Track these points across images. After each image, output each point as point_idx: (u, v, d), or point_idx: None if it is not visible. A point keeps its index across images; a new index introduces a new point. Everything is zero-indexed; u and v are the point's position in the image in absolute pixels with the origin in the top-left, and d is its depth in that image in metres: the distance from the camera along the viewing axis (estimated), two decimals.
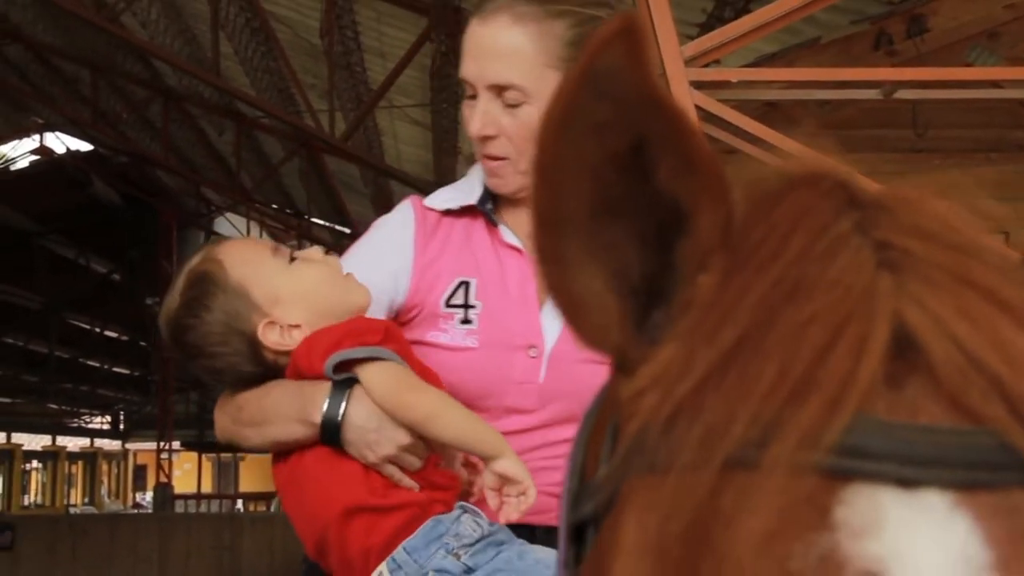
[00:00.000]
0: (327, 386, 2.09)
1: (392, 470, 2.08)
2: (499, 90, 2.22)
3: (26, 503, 33.38)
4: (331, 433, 2.06)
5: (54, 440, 35.89)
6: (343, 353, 2.09)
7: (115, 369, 30.71)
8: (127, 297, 26.32)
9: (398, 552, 2.05)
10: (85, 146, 23.12)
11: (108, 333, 30.37)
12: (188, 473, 34.49)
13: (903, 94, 5.29)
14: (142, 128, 20.07)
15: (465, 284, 2.35)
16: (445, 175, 15.96)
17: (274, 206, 21.63)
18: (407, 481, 2.09)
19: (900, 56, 6.87)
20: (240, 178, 18.92)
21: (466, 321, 2.34)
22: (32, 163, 23.69)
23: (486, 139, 2.26)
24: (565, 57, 2.23)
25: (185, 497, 26.46)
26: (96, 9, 12.86)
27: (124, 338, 30.48)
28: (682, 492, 0.69)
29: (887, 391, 0.68)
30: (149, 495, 29.45)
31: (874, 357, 0.67)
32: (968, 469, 0.66)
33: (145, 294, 23.46)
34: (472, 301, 2.34)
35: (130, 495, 37.14)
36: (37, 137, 23.33)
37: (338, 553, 2.11)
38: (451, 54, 12.43)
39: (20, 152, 24.34)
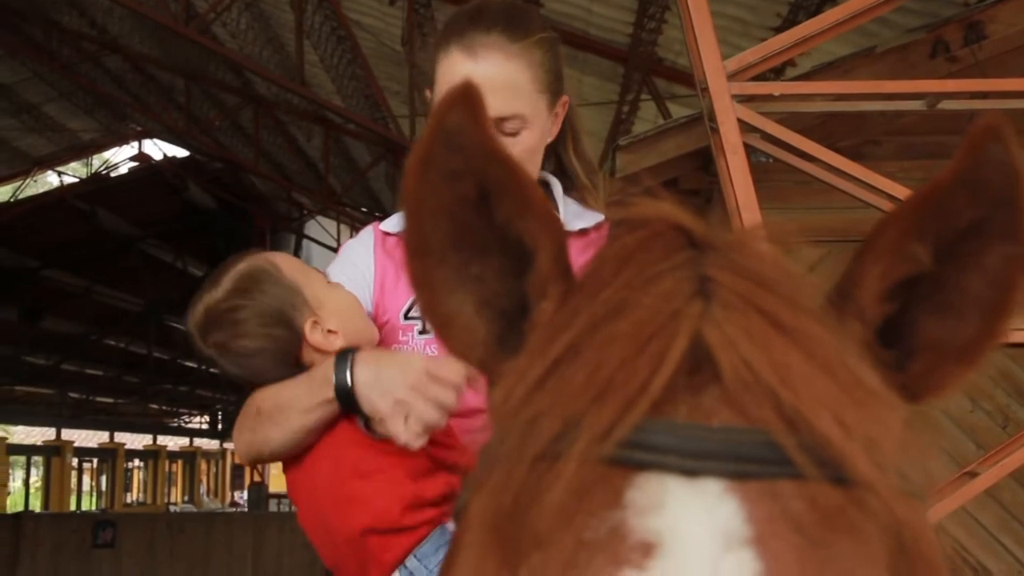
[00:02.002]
0: (331, 361, 2.23)
1: (406, 425, 2.13)
2: (499, 122, 2.31)
3: (128, 501, 34.14)
4: (346, 397, 2.18)
5: (155, 440, 36.63)
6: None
7: (212, 370, 31.17)
8: None
9: (409, 560, 2.18)
10: (181, 152, 23.63)
11: None
12: None
13: (948, 104, 5.31)
14: (235, 134, 20.49)
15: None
16: None
17: (363, 209, 21.90)
18: (419, 442, 2.13)
19: (959, 63, 6.86)
20: (329, 182, 19.22)
21: (424, 331, 2.47)
22: (131, 169, 24.26)
23: None
24: (546, 80, 2.39)
25: (279, 496, 26.88)
26: (186, 21, 13.20)
27: None
28: (505, 480, 0.84)
29: (679, 396, 0.82)
30: (246, 494, 29.88)
31: (669, 367, 0.81)
32: (739, 462, 0.79)
33: None
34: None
35: (228, 494, 37.71)
36: (136, 144, 23.91)
37: (354, 569, 2.25)
38: None
39: (121, 159, 25.00)
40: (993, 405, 7.56)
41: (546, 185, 2.57)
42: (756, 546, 0.76)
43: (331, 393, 2.20)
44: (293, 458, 2.34)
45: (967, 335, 0.94)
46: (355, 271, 2.54)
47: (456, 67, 2.34)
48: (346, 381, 2.18)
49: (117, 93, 20.22)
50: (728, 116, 5.07)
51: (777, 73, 8.82)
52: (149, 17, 13.05)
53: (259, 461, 2.43)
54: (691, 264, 0.88)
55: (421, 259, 0.93)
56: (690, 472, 0.79)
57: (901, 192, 5.15)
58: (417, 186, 0.90)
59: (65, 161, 25.03)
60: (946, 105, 5.30)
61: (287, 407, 2.28)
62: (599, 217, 2.52)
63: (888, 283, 0.92)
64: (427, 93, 2.51)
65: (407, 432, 2.11)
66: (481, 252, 0.94)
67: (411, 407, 2.11)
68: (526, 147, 2.36)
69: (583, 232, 2.48)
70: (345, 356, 2.22)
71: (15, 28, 18.36)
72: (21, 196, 24.44)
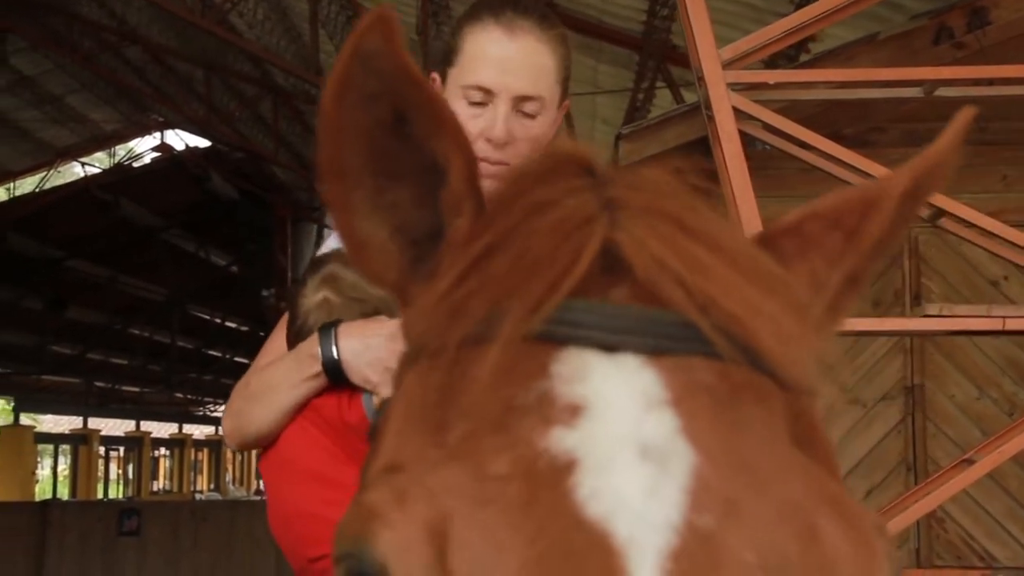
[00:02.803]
0: (315, 336, 2.27)
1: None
2: (522, 101, 2.34)
3: (155, 489, 34.39)
4: (333, 369, 2.22)
5: (180, 428, 36.89)
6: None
7: (236, 359, 31.44)
8: (245, 289, 26.89)
9: None
10: (203, 143, 23.72)
11: (228, 324, 31.10)
12: None
13: (947, 91, 5.29)
14: (255, 124, 20.57)
15: None
16: None
17: None
18: None
19: (964, 50, 6.83)
20: None
21: None
22: (154, 160, 24.38)
23: (503, 144, 2.36)
24: (563, 75, 2.42)
25: None
26: (202, 11, 13.27)
27: (244, 328, 31.17)
28: (437, 365, 0.90)
29: (597, 284, 0.89)
30: None
31: (588, 257, 0.88)
32: (655, 338, 0.87)
33: (261, 286, 23.95)
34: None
35: (253, 482, 37.91)
36: (158, 134, 24.03)
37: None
38: None
39: (144, 149, 25.14)
40: (1000, 393, 7.54)
41: None
42: (674, 407, 0.83)
43: (318, 367, 2.24)
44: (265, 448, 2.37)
45: (874, 269, 1.09)
46: None
47: (491, 40, 2.36)
48: (332, 354, 2.22)
49: (138, 84, 20.33)
50: (723, 104, 5.07)
51: (790, 60, 8.81)
52: (166, 8, 13.12)
53: (244, 445, 2.47)
54: (596, 187, 0.95)
55: (337, 182, 0.97)
56: (611, 347, 0.86)
57: None
58: (334, 109, 0.93)
59: (88, 152, 25.19)
60: (945, 92, 5.28)
61: (276, 385, 2.32)
62: None
63: (883, 233, 1.03)
64: (433, 76, 2.50)
65: None
66: (396, 177, 0.99)
67: None
68: (538, 132, 2.38)
69: None
70: (328, 330, 2.25)
71: (37, 20, 18.48)
72: (45, 187, 24.61)
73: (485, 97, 2.35)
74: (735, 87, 5.23)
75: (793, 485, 0.82)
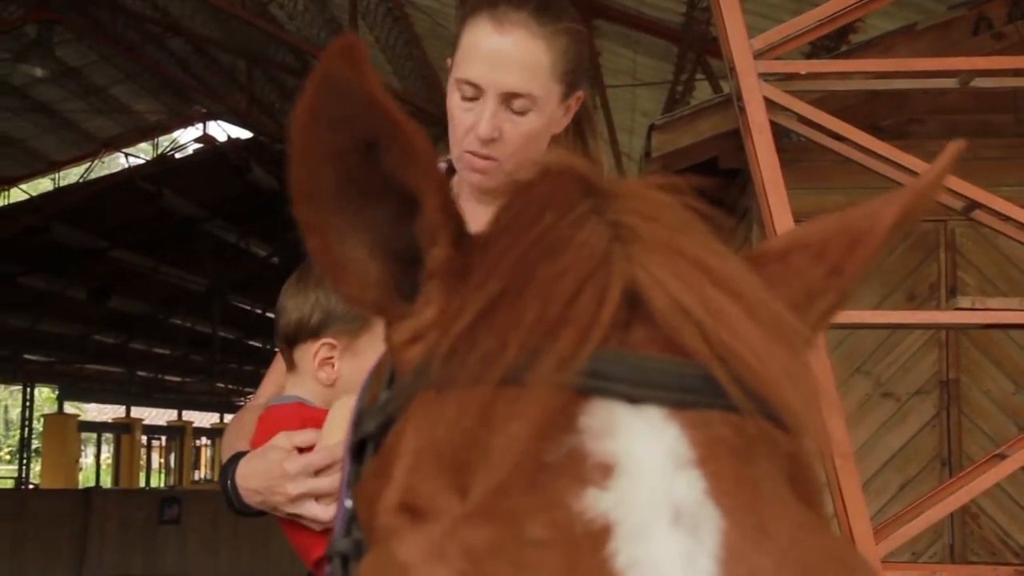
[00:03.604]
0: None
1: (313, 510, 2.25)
2: (510, 97, 2.32)
3: (196, 478, 34.66)
4: (236, 502, 2.32)
5: (222, 418, 37.13)
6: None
7: (277, 349, 31.46)
8: (285, 280, 26.93)
9: None
10: (245, 134, 23.85)
11: (269, 314, 31.25)
12: None
13: (982, 82, 5.24)
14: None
15: None
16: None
17: None
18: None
19: (1005, 40, 6.76)
20: None
21: None
22: (196, 151, 24.55)
23: (489, 141, 2.35)
24: (564, 70, 2.37)
25: None
26: (243, 2, 13.33)
27: None
28: (461, 404, 0.89)
29: (621, 331, 0.88)
30: None
31: (612, 304, 0.87)
32: (679, 392, 0.86)
33: None
34: None
35: None
36: (200, 126, 24.18)
37: None
38: None
39: (187, 140, 25.30)
40: None
41: None
42: (701, 466, 0.83)
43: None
44: None
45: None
46: None
47: (481, 36, 2.34)
48: (227, 488, 2.32)
49: (181, 75, 20.47)
50: (754, 95, 5.05)
51: (830, 52, 8.75)
52: None
53: None
54: (599, 210, 0.93)
55: (310, 205, 0.96)
56: (636, 399, 0.85)
57: (928, 170, 5.10)
58: (303, 134, 0.93)
59: (132, 142, 25.40)
60: (980, 83, 5.23)
61: (226, 447, 2.44)
62: None
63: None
64: (448, 62, 2.51)
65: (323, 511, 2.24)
66: (370, 198, 0.98)
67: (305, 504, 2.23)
68: (528, 129, 2.36)
69: None
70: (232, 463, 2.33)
71: (83, 11, 18.66)
72: (90, 177, 24.83)
73: (475, 92, 2.33)
74: (767, 78, 5.20)
75: (806, 547, 0.82)
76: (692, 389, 0.86)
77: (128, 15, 18.35)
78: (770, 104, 5.12)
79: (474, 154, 2.37)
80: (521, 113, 2.34)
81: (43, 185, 26.94)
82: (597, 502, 0.81)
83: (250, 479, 2.28)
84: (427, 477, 0.88)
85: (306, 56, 17.22)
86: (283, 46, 17.38)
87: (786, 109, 5.19)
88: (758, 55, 5.09)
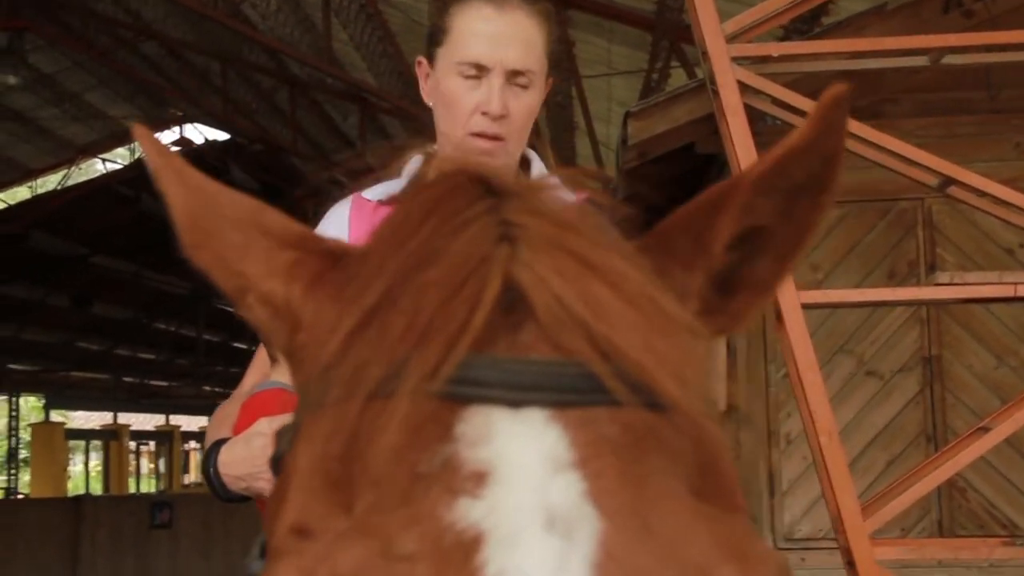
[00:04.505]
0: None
1: None
2: (514, 75, 2.38)
3: (187, 482, 34.60)
4: (219, 489, 2.35)
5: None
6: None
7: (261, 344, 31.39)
8: None
9: None
10: (222, 136, 23.78)
11: None
12: None
13: (953, 59, 5.26)
14: (273, 116, 20.60)
15: None
16: (563, 150, 16.10)
17: None
18: None
19: (975, 18, 6.80)
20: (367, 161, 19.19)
21: None
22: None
23: (498, 119, 2.39)
24: (549, 50, 2.45)
25: None
26: (215, 3, 13.28)
27: None
28: (335, 421, 0.88)
29: (498, 334, 0.87)
30: None
31: (486, 307, 0.86)
32: (559, 392, 0.85)
33: None
34: None
35: None
36: (177, 129, 24.09)
37: None
38: (558, 29, 12.55)
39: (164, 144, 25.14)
40: (1018, 361, 7.52)
41: (527, 162, 2.61)
42: (580, 468, 0.81)
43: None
44: None
45: (775, 271, 1.02)
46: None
47: (482, 17, 2.40)
48: (210, 474, 2.35)
49: (155, 79, 20.39)
50: (727, 78, 5.07)
51: (802, 34, 8.76)
52: (179, 1, 13.14)
53: None
54: (493, 211, 0.93)
55: (201, 248, 1.04)
56: (514, 403, 0.84)
57: (905, 149, 5.14)
58: (192, 257, 1.03)
59: (108, 148, 25.29)
60: (952, 60, 5.26)
61: (210, 434, 2.48)
62: (572, 198, 2.55)
63: (736, 234, 0.98)
64: (419, 61, 2.54)
65: None
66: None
67: None
68: (529, 104, 2.43)
69: None
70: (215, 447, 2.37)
71: (53, 17, 18.56)
72: (67, 184, 24.71)
73: (479, 72, 2.38)
74: (741, 61, 5.22)
75: (698, 545, 0.81)
76: (574, 388, 0.85)
77: (99, 20, 18.26)
78: (744, 87, 5.14)
79: (481, 135, 2.42)
80: (525, 88, 2.41)
81: (20, 194, 26.81)
82: (469, 511, 0.80)
83: (233, 466, 2.30)
84: (314, 497, 0.88)
85: (280, 56, 17.18)
86: (257, 47, 17.33)
87: (760, 92, 5.21)
88: (730, 39, 5.11)
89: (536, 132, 2.65)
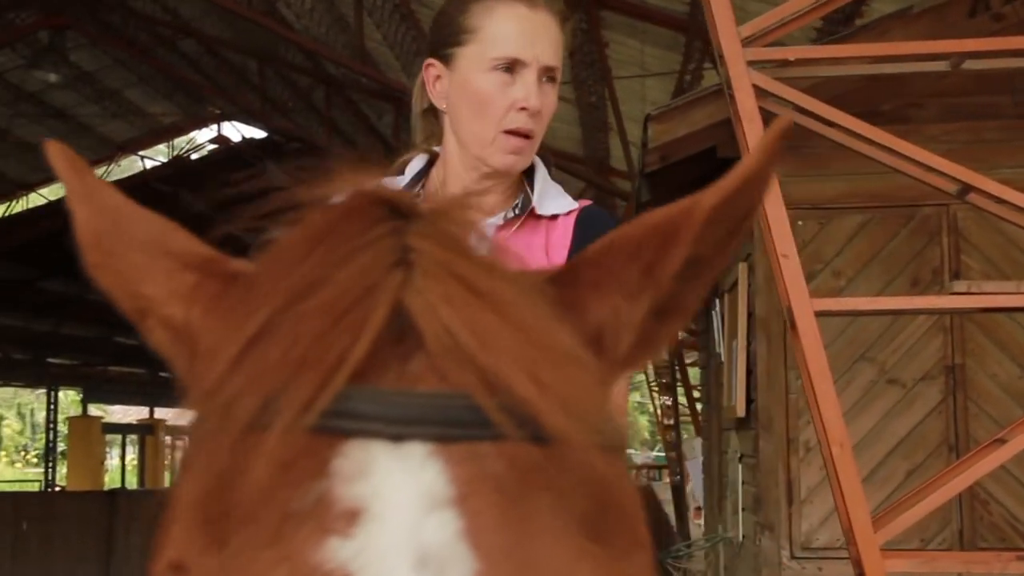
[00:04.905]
0: None
1: None
2: (546, 71, 2.43)
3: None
4: None
5: None
6: None
7: None
8: None
9: None
10: (259, 133, 23.91)
11: None
12: None
13: (973, 64, 5.19)
14: (309, 114, 20.69)
15: None
16: (596, 150, 16.07)
17: None
18: None
19: (1003, 21, 6.71)
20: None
21: None
22: (211, 151, 24.63)
23: (534, 115, 2.42)
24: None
25: None
26: (248, 2, 13.33)
27: None
28: (211, 455, 0.85)
29: (383, 364, 0.83)
30: None
31: (368, 336, 0.82)
32: (442, 426, 0.81)
33: None
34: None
35: None
36: (215, 127, 24.25)
37: None
38: (591, 31, 12.54)
39: (201, 141, 25.39)
40: None
41: (531, 168, 2.59)
42: (458, 506, 0.79)
43: None
44: None
45: (698, 297, 0.99)
46: None
47: (517, 15, 2.44)
48: None
49: (193, 76, 20.52)
50: (743, 83, 5.01)
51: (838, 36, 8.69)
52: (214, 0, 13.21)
53: None
54: (394, 234, 0.89)
55: (104, 269, 1.02)
56: (395, 437, 0.81)
57: (922, 155, 5.06)
58: (94, 277, 1.00)
59: (148, 145, 25.48)
60: (971, 65, 5.18)
61: None
62: (574, 205, 2.54)
63: (684, 263, 0.94)
64: (430, 63, 2.52)
65: None
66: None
67: None
68: (553, 102, 2.47)
69: (553, 217, 2.50)
70: None
71: (94, 15, 18.72)
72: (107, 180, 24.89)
73: (513, 68, 2.41)
74: (762, 65, 5.18)
75: None
76: (458, 422, 0.82)
77: (138, 18, 18.40)
78: (760, 91, 5.08)
79: (514, 132, 2.43)
80: (552, 86, 2.47)
81: (61, 190, 27.02)
82: (338, 551, 0.77)
83: None
84: (192, 532, 0.85)
85: (315, 55, 17.24)
86: (293, 46, 17.40)
87: (774, 96, 5.15)
88: (748, 42, 5.06)
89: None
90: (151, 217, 1.03)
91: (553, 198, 2.54)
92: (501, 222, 2.48)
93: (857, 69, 5.61)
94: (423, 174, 2.58)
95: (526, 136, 2.43)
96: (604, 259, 0.96)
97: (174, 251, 1.00)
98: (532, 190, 2.53)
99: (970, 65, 5.19)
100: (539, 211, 2.49)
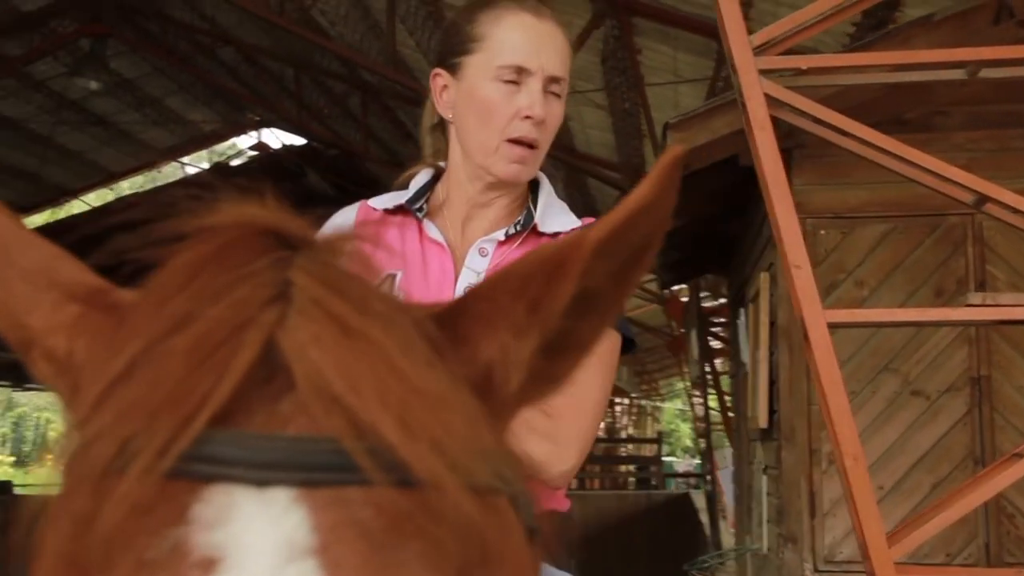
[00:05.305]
0: None
1: None
2: (552, 81, 2.42)
3: None
4: None
5: None
6: None
7: None
8: None
9: None
10: (298, 140, 24.01)
11: None
12: None
13: (990, 72, 5.10)
14: (346, 121, 20.74)
15: (392, 276, 2.48)
16: (631, 157, 16.00)
17: None
18: None
19: None
20: None
21: None
22: (250, 159, 24.76)
23: (538, 124, 2.41)
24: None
25: None
26: (281, 9, 13.37)
27: None
28: (71, 499, 0.82)
29: (250, 407, 0.80)
30: None
31: (234, 377, 0.79)
32: (307, 471, 0.78)
33: None
34: (395, 292, 2.47)
35: None
36: (254, 134, 24.38)
37: None
38: (623, 37, 12.49)
39: (241, 147, 25.55)
40: None
41: (536, 184, 2.58)
42: (319, 555, 0.75)
43: None
44: None
45: (596, 331, 0.96)
46: None
47: (524, 24, 2.44)
48: None
49: (232, 84, 20.64)
50: (754, 91, 4.95)
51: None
52: (245, 7, 13.25)
53: None
54: (276, 266, 0.85)
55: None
56: (258, 483, 0.78)
57: (936, 164, 4.99)
58: None
59: (188, 152, 25.65)
60: (988, 73, 5.10)
61: None
62: (577, 223, 2.51)
63: (572, 298, 0.91)
64: (437, 72, 2.52)
65: None
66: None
67: None
68: (559, 113, 2.47)
69: (556, 235, 2.47)
70: None
71: (134, 24, 18.87)
72: (149, 187, 25.14)
73: (519, 77, 2.40)
74: (781, 74, 5.13)
75: None
76: (325, 466, 0.78)
77: (178, 26, 18.53)
78: (772, 101, 5.03)
79: (518, 141, 2.42)
80: (558, 96, 2.45)
81: (103, 197, 27.29)
82: None
83: None
84: (54, 573, 0.82)
85: (350, 62, 17.28)
86: (328, 53, 17.45)
87: (788, 106, 5.09)
88: (760, 50, 5.00)
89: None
90: (40, 244, 1.00)
91: (556, 215, 2.52)
92: (502, 238, 2.46)
93: (874, 78, 5.54)
94: (428, 188, 2.57)
95: (530, 146, 2.41)
96: (493, 293, 0.92)
97: (61, 281, 0.97)
98: (536, 207, 2.51)
99: (988, 73, 5.10)
100: (541, 228, 2.47)
